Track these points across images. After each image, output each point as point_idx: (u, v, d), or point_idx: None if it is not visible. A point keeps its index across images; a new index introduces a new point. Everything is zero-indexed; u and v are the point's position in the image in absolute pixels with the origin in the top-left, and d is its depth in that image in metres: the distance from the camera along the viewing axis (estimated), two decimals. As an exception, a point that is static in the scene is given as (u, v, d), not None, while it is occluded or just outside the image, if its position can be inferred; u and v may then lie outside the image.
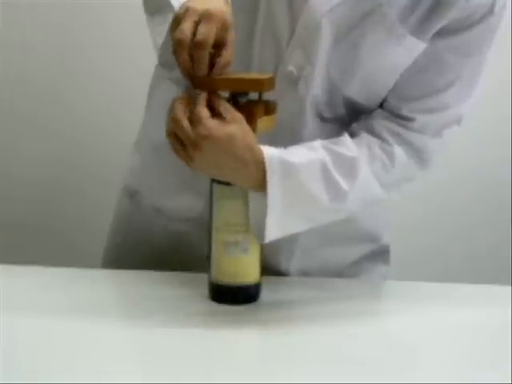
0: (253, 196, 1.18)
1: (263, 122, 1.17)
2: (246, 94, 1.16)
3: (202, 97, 1.13)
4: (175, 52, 1.12)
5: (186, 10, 1.11)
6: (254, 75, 1.20)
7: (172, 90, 1.32)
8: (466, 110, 1.29)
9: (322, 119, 1.28)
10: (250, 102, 1.16)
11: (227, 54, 1.12)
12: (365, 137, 1.25)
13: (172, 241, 1.36)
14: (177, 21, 1.11)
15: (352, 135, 1.26)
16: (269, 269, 1.28)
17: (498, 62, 1.30)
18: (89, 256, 1.51)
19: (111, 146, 2.08)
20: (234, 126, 1.14)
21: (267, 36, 1.24)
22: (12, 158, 2.13)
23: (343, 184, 1.21)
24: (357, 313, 1.21)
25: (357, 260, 1.40)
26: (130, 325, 1.15)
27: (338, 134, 1.26)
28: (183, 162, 1.17)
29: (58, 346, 1.07)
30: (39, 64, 2.09)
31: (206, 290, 1.22)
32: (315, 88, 1.25)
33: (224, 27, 1.11)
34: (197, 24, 1.10)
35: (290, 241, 1.29)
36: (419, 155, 1.28)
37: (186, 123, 1.13)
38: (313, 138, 1.24)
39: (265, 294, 1.22)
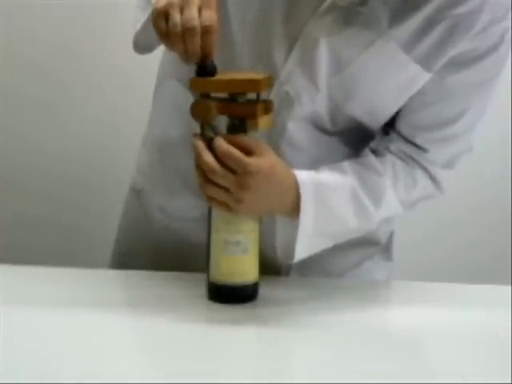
0: (282, 219, 1.21)
1: (263, 121, 1.17)
2: (244, 93, 1.16)
3: (202, 147, 1.13)
4: (171, 44, 1.11)
5: (166, 3, 1.10)
6: (250, 75, 1.19)
7: (177, 88, 1.32)
8: (477, 137, 1.30)
9: (323, 132, 1.28)
10: (250, 101, 1.16)
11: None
12: (389, 157, 1.27)
13: (174, 240, 1.37)
14: (159, 13, 1.10)
15: (375, 153, 1.28)
16: (269, 272, 1.28)
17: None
18: (100, 254, 1.51)
19: (122, 143, 2.09)
20: (268, 154, 1.16)
21: (262, 59, 1.23)
22: (23, 158, 2.15)
23: (371, 208, 1.24)
24: (357, 312, 1.21)
25: (358, 262, 1.40)
26: (129, 324, 1.15)
27: (337, 146, 1.28)
28: (226, 210, 1.16)
29: (57, 345, 1.07)
30: (51, 60, 2.10)
31: (204, 290, 1.22)
32: (315, 107, 1.25)
33: (207, 4, 1.09)
34: (182, 11, 1.09)
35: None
36: (435, 182, 1.30)
37: (223, 172, 1.13)
38: (307, 146, 1.26)
39: (264, 294, 1.22)
